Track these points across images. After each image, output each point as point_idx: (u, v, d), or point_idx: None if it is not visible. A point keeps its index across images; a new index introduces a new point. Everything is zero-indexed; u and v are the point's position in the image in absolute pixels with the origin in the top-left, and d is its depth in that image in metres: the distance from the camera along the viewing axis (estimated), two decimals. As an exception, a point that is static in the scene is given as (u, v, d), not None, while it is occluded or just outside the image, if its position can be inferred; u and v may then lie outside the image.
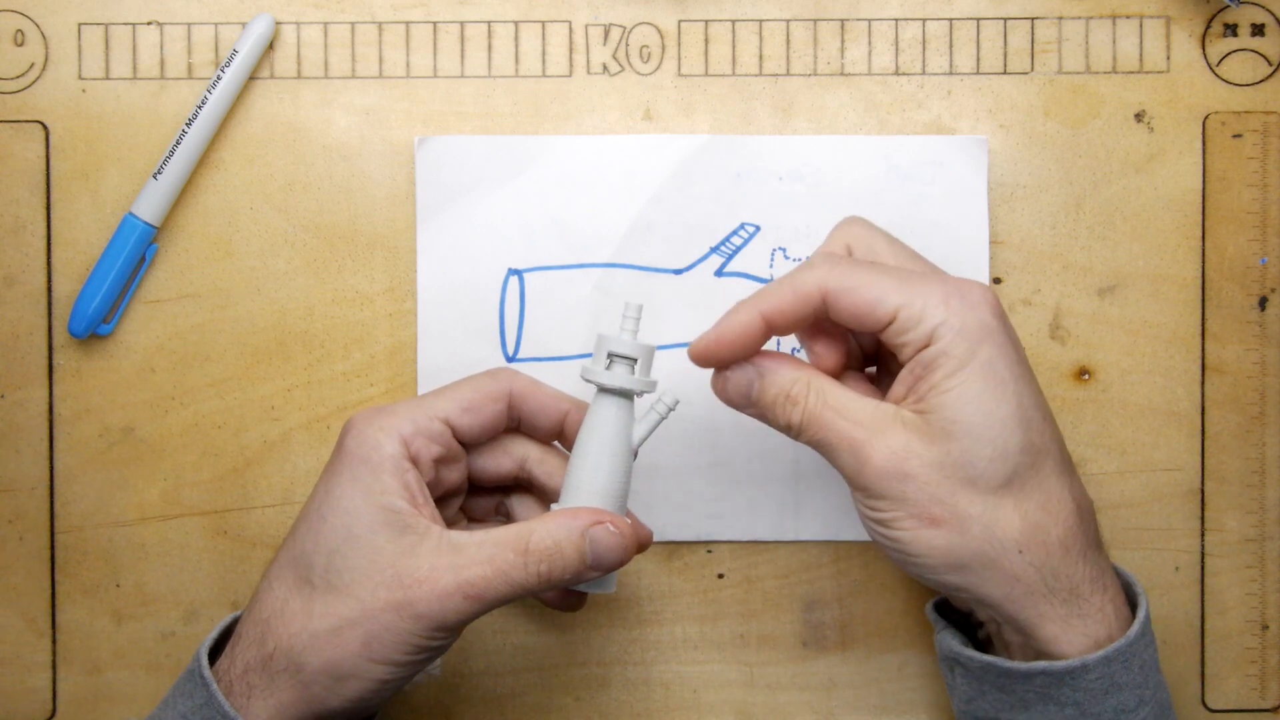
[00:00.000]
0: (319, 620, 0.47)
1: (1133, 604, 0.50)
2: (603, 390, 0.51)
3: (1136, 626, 0.48)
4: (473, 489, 0.55)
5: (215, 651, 0.51)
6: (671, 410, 0.51)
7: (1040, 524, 0.47)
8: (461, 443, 0.52)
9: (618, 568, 0.49)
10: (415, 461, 0.49)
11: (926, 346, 0.47)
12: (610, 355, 0.51)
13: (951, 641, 0.52)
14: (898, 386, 0.49)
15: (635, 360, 0.51)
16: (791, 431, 0.50)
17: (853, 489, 0.49)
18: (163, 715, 0.49)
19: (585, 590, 0.53)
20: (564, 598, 0.55)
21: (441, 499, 0.52)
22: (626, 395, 0.51)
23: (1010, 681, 0.49)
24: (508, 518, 0.56)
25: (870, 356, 0.54)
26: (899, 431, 0.47)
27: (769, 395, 0.50)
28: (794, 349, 0.59)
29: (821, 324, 0.51)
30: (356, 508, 0.48)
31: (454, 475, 0.52)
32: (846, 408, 0.48)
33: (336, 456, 0.50)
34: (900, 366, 0.49)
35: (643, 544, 0.53)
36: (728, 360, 0.50)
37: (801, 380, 0.49)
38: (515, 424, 0.53)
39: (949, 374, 0.47)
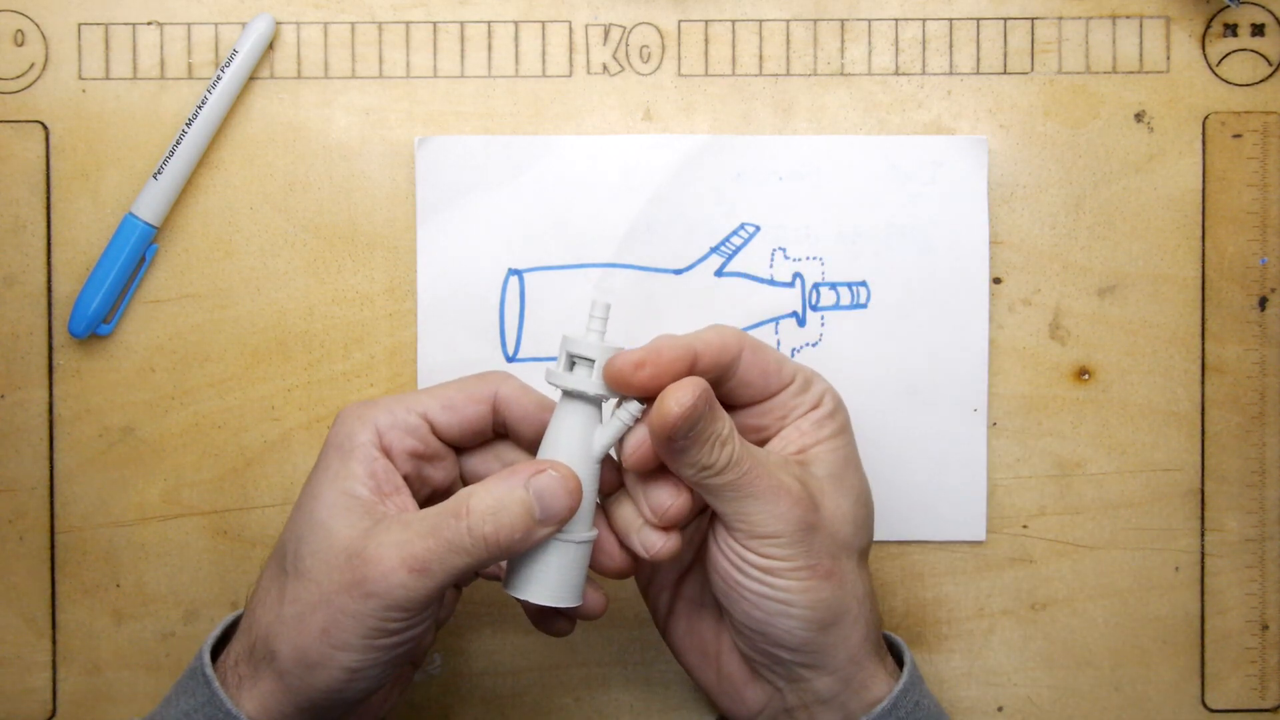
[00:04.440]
0: (288, 606, 0.48)
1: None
2: (566, 394, 0.48)
3: (889, 701, 0.50)
4: None
5: (217, 651, 0.51)
6: (637, 419, 0.48)
7: (870, 588, 0.52)
8: (445, 441, 0.51)
9: (568, 516, 0.47)
10: (388, 452, 0.49)
11: (815, 408, 0.51)
12: (571, 356, 0.48)
13: None
14: (780, 444, 0.51)
15: (596, 362, 0.48)
16: (710, 472, 0.47)
17: (743, 536, 0.48)
18: (164, 713, 0.49)
19: (552, 605, 0.48)
20: (542, 616, 0.53)
21: (430, 499, 0.52)
22: (589, 400, 0.48)
23: None
24: None
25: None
26: (806, 483, 0.49)
27: (708, 431, 0.47)
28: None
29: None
30: (322, 494, 0.49)
31: (439, 474, 0.52)
32: (762, 454, 0.49)
33: (323, 448, 0.50)
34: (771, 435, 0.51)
35: (594, 612, 0.51)
36: (649, 380, 0.48)
37: (727, 422, 0.48)
38: (502, 429, 0.52)
39: (836, 434, 0.51)
